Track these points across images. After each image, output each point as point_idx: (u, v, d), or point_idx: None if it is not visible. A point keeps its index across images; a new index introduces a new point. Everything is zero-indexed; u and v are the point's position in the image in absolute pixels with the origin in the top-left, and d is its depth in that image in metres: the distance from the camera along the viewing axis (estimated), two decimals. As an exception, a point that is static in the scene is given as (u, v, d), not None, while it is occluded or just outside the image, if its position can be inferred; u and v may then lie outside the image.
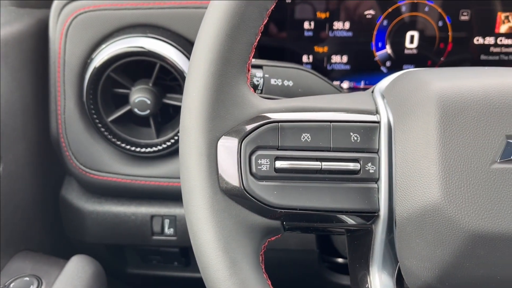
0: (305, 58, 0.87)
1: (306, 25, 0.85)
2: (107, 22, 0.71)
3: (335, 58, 0.87)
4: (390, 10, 0.83)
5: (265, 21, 0.43)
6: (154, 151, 0.76)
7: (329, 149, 0.43)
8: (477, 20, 0.83)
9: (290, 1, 0.84)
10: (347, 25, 0.85)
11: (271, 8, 0.44)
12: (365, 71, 0.88)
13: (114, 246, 0.90)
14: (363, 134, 0.44)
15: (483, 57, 0.85)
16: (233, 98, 0.41)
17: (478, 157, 0.40)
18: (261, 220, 0.42)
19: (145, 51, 0.68)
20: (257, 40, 0.43)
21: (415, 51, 0.85)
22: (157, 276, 0.96)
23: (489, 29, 0.83)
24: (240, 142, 0.41)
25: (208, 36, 0.41)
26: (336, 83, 0.89)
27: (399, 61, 0.86)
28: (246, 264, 0.41)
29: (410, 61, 0.86)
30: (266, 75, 0.60)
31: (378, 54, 0.86)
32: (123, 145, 0.72)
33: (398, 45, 0.85)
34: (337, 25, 0.85)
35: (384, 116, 0.45)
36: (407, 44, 0.85)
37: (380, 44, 0.85)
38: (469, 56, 0.85)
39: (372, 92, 0.50)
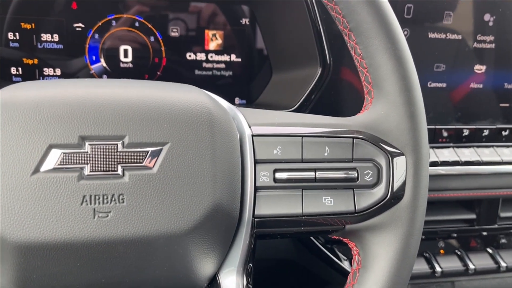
0: (13, 70, 0.83)
1: (10, 36, 0.80)
2: None
3: (48, 71, 0.84)
4: (100, 23, 0.83)
5: None
6: None
7: None
8: (187, 37, 0.87)
9: (-12, 9, 0.79)
10: (56, 37, 0.82)
11: None
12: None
13: None
14: None
15: (197, 72, 0.89)
16: None
17: (19, 168, 0.40)
18: None
19: None
20: None
21: (130, 65, 0.86)
22: None
23: (200, 46, 0.88)
24: None
25: None
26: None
27: (116, 74, 0.86)
28: None
29: (127, 75, 0.87)
30: None
31: (94, 68, 0.85)
32: None
33: (113, 59, 0.85)
34: (45, 37, 0.82)
35: None
36: (122, 58, 0.86)
37: (94, 58, 0.85)
38: (185, 71, 0.89)
39: None
